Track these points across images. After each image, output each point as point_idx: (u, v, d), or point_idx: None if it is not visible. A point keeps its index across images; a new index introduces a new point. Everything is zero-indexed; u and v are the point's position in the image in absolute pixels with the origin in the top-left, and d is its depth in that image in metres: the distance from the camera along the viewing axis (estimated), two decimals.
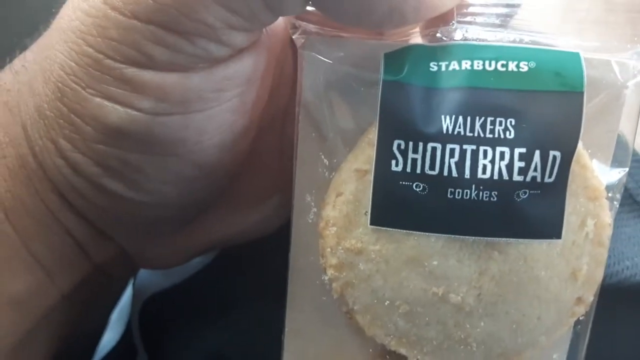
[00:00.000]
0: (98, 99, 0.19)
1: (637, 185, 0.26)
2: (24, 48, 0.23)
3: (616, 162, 0.19)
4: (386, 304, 0.20)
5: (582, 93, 0.18)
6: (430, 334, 0.20)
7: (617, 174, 0.19)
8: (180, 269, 0.29)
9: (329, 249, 0.20)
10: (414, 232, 0.19)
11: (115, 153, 0.20)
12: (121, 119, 0.19)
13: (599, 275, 0.20)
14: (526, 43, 0.19)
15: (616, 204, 0.19)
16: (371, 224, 0.19)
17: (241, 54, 0.19)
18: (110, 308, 0.32)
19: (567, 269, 0.19)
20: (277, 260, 0.23)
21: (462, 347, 0.20)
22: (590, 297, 0.20)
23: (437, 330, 0.20)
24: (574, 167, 0.18)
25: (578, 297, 0.20)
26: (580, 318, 0.20)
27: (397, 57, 0.19)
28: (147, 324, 0.31)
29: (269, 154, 0.25)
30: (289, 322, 0.22)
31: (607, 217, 0.19)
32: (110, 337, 0.32)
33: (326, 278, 0.20)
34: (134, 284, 0.32)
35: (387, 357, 0.21)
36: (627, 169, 0.19)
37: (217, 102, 0.20)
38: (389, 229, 0.19)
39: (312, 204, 0.20)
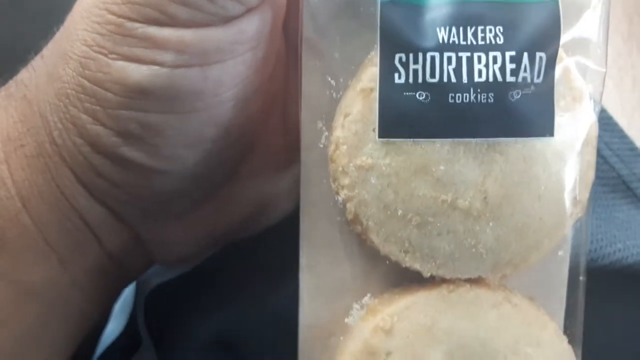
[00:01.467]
0: (120, 62, 0.21)
1: (631, 172, 0.28)
2: (39, 50, 0.25)
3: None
4: (399, 216, 0.21)
5: (557, 1, 0.20)
6: (442, 244, 0.21)
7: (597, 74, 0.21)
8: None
9: (340, 169, 0.21)
10: (421, 140, 0.20)
11: (136, 116, 0.21)
12: (143, 75, 0.21)
13: (590, 176, 0.21)
14: None
15: (597, 105, 0.21)
16: (379, 137, 0.20)
17: (252, 12, 0.21)
18: (114, 299, 0.31)
19: (564, 167, 0.21)
20: (282, 247, 0.24)
21: (472, 255, 0.21)
22: (585, 196, 0.21)
23: (448, 240, 0.21)
24: (558, 69, 0.20)
25: (574, 197, 0.21)
26: (578, 215, 0.21)
27: None
28: (153, 314, 0.31)
29: (273, 135, 0.26)
30: (303, 257, 0.22)
31: (592, 116, 0.21)
32: (113, 328, 0.32)
33: (340, 199, 0.21)
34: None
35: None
36: (604, 70, 0.21)
37: (233, 55, 0.21)
38: (397, 140, 0.20)
39: (324, 128, 0.21)
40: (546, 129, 0.20)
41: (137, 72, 0.21)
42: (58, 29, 0.24)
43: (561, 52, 0.20)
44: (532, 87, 0.20)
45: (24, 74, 0.24)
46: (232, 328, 0.27)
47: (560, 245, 0.22)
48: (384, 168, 0.20)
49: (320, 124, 0.21)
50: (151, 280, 0.30)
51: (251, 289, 0.28)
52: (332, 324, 0.22)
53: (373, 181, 0.20)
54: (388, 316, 0.21)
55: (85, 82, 0.21)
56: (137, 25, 0.20)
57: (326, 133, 0.21)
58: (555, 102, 0.20)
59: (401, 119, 0.20)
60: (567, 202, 0.21)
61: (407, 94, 0.20)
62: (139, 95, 0.21)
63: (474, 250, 0.21)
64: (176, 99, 0.21)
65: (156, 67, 0.21)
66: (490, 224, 0.21)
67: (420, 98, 0.20)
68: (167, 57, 0.20)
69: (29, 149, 0.23)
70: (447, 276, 0.21)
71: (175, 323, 0.29)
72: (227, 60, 0.21)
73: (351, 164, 0.21)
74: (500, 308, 0.21)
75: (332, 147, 0.21)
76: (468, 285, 0.21)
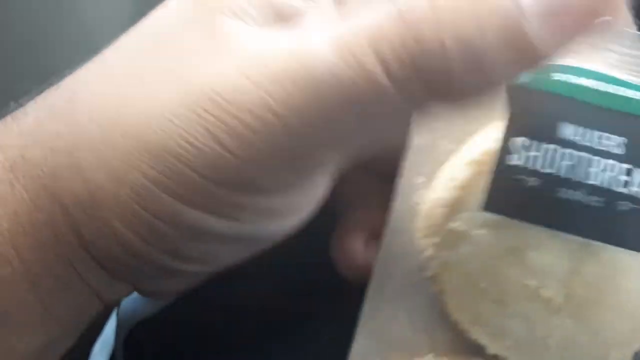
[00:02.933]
0: (197, 212, 0.19)
1: None
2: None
3: None
4: (479, 288, 0.21)
5: None
6: (514, 326, 0.21)
7: None
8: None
9: (434, 228, 0.21)
10: (521, 221, 0.21)
11: (195, 247, 0.20)
12: (222, 227, 0.19)
13: None
14: None
15: None
16: (484, 209, 0.21)
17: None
18: (92, 339, 0.30)
19: None
20: (265, 283, 0.24)
21: (541, 345, 0.21)
22: None
23: (522, 324, 0.21)
24: None
25: None
26: None
27: None
28: (133, 353, 0.30)
29: None
30: (368, 301, 0.22)
31: None
32: None
33: (425, 255, 0.22)
34: (117, 312, 0.31)
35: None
36: None
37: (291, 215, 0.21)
38: (497, 216, 0.21)
39: (420, 183, 0.22)
40: None
41: (217, 224, 0.19)
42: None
43: None
44: None
45: (34, 152, 0.20)
46: None
47: None
48: (476, 239, 0.21)
49: (420, 179, 0.22)
50: (131, 318, 0.30)
51: (235, 326, 0.28)
52: None
53: (462, 248, 0.21)
54: None
55: (139, 210, 0.19)
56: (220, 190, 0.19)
57: (421, 190, 0.22)
58: None
59: (508, 197, 0.21)
60: None
61: (520, 176, 0.20)
62: (212, 238, 0.20)
63: (543, 342, 0.21)
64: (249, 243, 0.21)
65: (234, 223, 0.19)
66: (567, 320, 0.21)
67: (532, 184, 0.20)
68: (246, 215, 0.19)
69: (44, 234, 0.20)
70: None
71: None
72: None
73: (445, 226, 0.21)
74: None
75: (430, 205, 0.22)
76: None
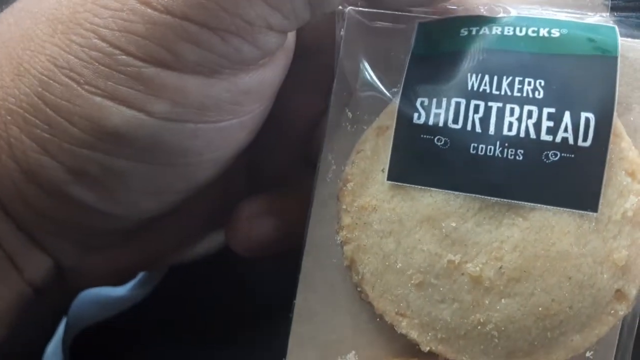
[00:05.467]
0: (99, 98, 0.17)
1: None
2: None
3: None
4: (398, 269, 0.18)
5: (616, 57, 0.17)
6: (444, 314, 0.18)
7: None
8: (115, 302, 0.28)
9: (344, 207, 0.19)
10: (432, 189, 0.18)
11: (100, 159, 0.18)
12: (126, 122, 0.17)
13: None
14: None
15: None
16: (388, 179, 0.18)
17: (263, 66, 0.19)
18: (43, 340, 0.30)
19: (602, 249, 0.17)
20: (212, 297, 0.23)
21: (480, 335, 0.18)
22: (633, 290, 0.17)
23: (452, 309, 0.18)
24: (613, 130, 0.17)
25: (618, 289, 0.17)
26: (621, 313, 0.17)
27: (431, 27, 0.19)
28: (79, 357, 0.29)
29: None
30: (298, 303, 0.20)
31: None
32: None
33: (338, 240, 0.19)
34: (66, 316, 0.30)
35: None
36: None
37: (232, 115, 0.19)
38: (406, 185, 0.18)
39: (333, 162, 0.20)
40: (588, 202, 0.17)
41: (117, 116, 0.17)
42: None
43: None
44: (576, 152, 0.17)
45: None
46: None
47: (597, 351, 0.18)
48: (387, 213, 0.18)
49: (330, 157, 0.20)
50: (79, 323, 0.29)
51: (181, 341, 0.26)
52: None
53: (375, 226, 0.18)
54: None
55: (41, 105, 0.18)
56: (133, 62, 0.17)
57: (334, 167, 0.20)
58: (605, 172, 0.17)
59: (414, 163, 0.18)
60: (608, 294, 0.17)
61: (425, 136, 0.18)
62: (112, 140, 0.18)
63: (481, 328, 0.18)
64: (154, 151, 0.18)
65: (143, 116, 0.17)
66: (504, 300, 0.17)
67: (439, 143, 0.18)
68: (160, 106, 0.17)
69: None
70: (450, 356, 0.18)
71: None
72: (223, 122, 0.19)
73: (355, 204, 0.19)
74: None
75: (341, 184, 0.19)
76: None
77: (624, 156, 0.17)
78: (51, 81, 0.17)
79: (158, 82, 0.17)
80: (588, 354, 0.18)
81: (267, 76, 0.19)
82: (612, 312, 0.17)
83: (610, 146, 0.17)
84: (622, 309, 0.17)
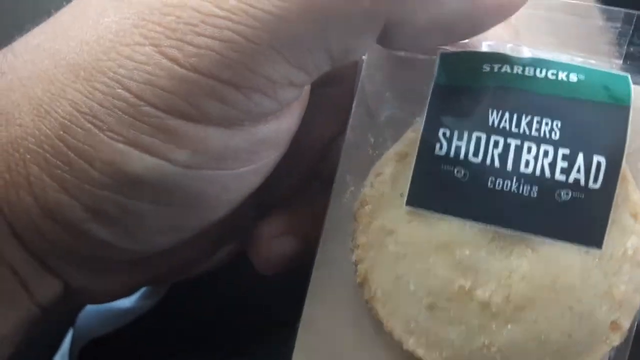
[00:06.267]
0: (121, 145, 0.18)
1: None
2: None
3: None
4: (410, 291, 0.19)
5: (628, 107, 0.19)
6: (451, 335, 0.19)
7: None
8: (120, 314, 0.29)
9: (360, 227, 0.20)
10: (449, 217, 0.19)
11: (119, 200, 0.19)
12: (147, 168, 0.18)
13: (637, 301, 0.19)
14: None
15: None
16: (407, 204, 0.19)
17: (280, 116, 0.19)
18: (50, 353, 0.30)
19: (603, 284, 0.18)
20: (217, 309, 0.23)
21: (484, 357, 0.19)
22: (627, 323, 0.19)
23: (459, 331, 0.19)
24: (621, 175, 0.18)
25: (613, 321, 0.19)
26: (615, 343, 0.19)
27: (453, 58, 0.20)
28: None
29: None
30: (306, 313, 0.21)
31: None
32: None
33: (353, 259, 0.20)
34: (73, 328, 0.30)
35: None
36: None
37: (249, 163, 0.20)
38: (423, 211, 0.19)
39: (350, 183, 0.21)
40: (594, 239, 0.18)
41: (139, 162, 0.18)
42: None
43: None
44: (587, 193, 0.18)
45: None
46: None
47: None
48: (404, 237, 0.19)
49: (348, 178, 0.21)
50: (86, 335, 0.29)
51: (186, 353, 0.26)
52: None
53: (390, 248, 0.19)
54: None
55: (63, 148, 0.18)
56: (156, 113, 0.17)
57: (352, 188, 0.21)
58: (611, 213, 0.18)
59: (433, 191, 0.19)
60: (604, 325, 0.19)
61: (445, 167, 0.19)
62: (133, 184, 0.18)
63: (485, 351, 0.19)
64: (173, 195, 0.19)
65: (165, 163, 0.18)
66: (509, 325, 0.19)
67: (458, 175, 0.19)
68: (182, 155, 0.18)
69: None
70: None
71: None
72: (240, 169, 0.19)
73: (371, 225, 0.20)
74: None
75: (357, 203, 0.20)
76: None
77: (628, 198, 0.19)
78: (73, 125, 0.18)
79: (180, 133, 0.18)
80: None
81: (284, 125, 0.20)
82: (607, 341, 0.19)
83: (617, 190, 0.18)
84: (616, 340, 0.19)
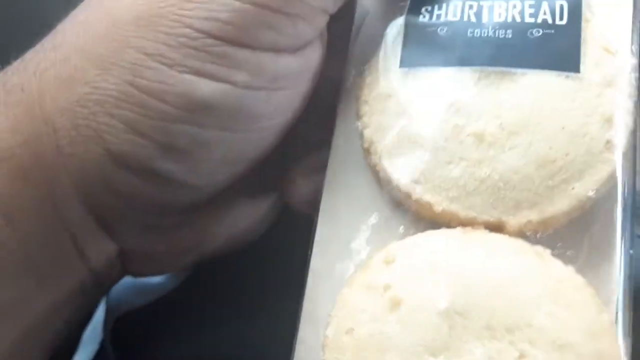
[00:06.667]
0: (188, 76, 0.20)
1: None
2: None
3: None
4: (412, 141, 0.21)
5: None
6: (454, 173, 0.20)
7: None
8: (152, 288, 0.29)
9: (363, 99, 0.22)
10: (438, 68, 0.21)
11: (189, 130, 0.21)
12: (212, 92, 0.20)
13: (628, 121, 0.20)
14: None
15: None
16: (401, 66, 0.22)
17: (314, 43, 0.22)
18: (82, 325, 0.30)
19: (590, 104, 0.20)
20: (251, 277, 0.24)
21: (488, 188, 0.20)
22: (622, 140, 0.19)
23: (460, 168, 0.20)
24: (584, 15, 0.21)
25: (609, 140, 0.19)
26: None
27: None
28: (121, 341, 0.29)
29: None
30: (324, 203, 0.22)
31: (632, 60, 0.20)
32: (82, 358, 0.30)
33: (359, 126, 0.22)
34: (106, 300, 0.31)
35: None
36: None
37: (296, 83, 0.22)
38: (415, 69, 0.21)
39: (353, 71, 0.23)
40: (570, 64, 0.20)
41: (206, 88, 0.20)
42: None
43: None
44: (555, 28, 0.20)
45: (13, 79, 0.21)
46: (206, 354, 0.26)
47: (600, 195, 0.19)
48: (402, 95, 0.21)
49: (353, 71, 0.23)
50: (120, 307, 0.29)
51: (221, 321, 0.27)
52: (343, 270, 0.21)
53: (391, 108, 0.21)
54: (392, 249, 0.20)
55: (134, 91, 0.20)
56: (216, 42, 0.20)
57: (353, 72, 0.23)
58: (581, 43, 0.20)
59: (422, 50, 0.21)
60: (599, 143, 0.19)
61: (430, 29, 0.22)
62: (201, 110, 0.20)
63: (489, 182, 0.19)
64: (237, 118, 0.21)
65: (228, 86, 0.20)
66: (507, 150, 0.20)
67: (441, 32, 0.21)
68: (241, 77, 0.20)
69: (20, 160, 0.21)
70: (462, 213, 0.20)
71: (143, 353, 0.27)
72: (289, 89, 0.22)
73: (372, 94, 0.22)
74: (523, 256, 0.19)
75: (360, 85, 0.23)
76: (486, 230, 0.19)
77: (594, 36, 0.21)
78: (142, 67, 0.20)
79: (239, 59, 0.20)
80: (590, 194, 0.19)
81: (316, 54, 0.23)
82: (604, 160, 0.19)
83: (583, 27, 0.20)
84: (612, 159, 0.19)
